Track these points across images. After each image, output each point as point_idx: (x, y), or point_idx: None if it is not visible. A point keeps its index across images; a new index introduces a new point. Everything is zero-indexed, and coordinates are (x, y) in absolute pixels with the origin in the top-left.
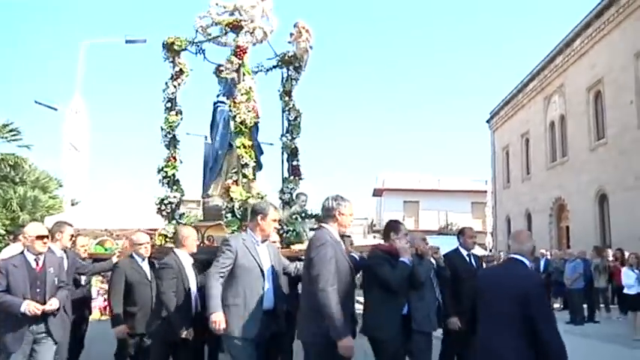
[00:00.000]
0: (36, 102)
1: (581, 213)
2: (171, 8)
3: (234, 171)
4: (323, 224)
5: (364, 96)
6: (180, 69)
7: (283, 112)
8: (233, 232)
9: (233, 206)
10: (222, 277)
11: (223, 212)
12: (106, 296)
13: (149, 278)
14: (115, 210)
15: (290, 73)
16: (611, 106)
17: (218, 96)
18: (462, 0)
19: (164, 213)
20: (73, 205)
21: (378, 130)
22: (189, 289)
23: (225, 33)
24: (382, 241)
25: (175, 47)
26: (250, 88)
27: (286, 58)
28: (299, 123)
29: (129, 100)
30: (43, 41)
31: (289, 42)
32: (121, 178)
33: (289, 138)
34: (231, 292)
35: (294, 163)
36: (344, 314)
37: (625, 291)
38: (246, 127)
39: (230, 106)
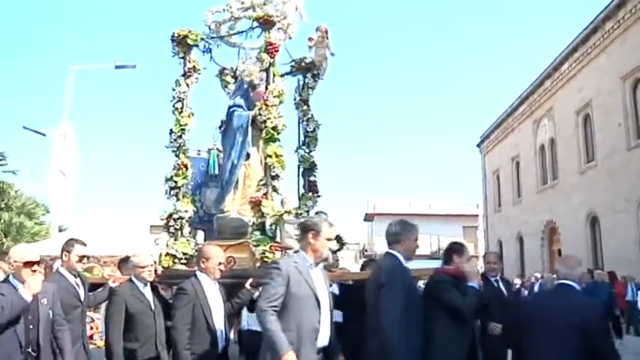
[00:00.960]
0: (24, 127)
1: (572, 236)
2: (160, 32)
3: (262, 183)
4: (391, 250)
5: (355, 121)
6: (194, 66)
7: (300, 122)
8: (264, 253)
9: (263, 223)
10: (276, 310)
11: (250, 229)
12: (92, 324)
13: (153, 307)
14: (102, 236)
15: (307, 80)
16: (599, 128)
17: (234, 99)
18: (451, 25)
19: (172, 229)
20: (60, 231)
21: (369, 154)
22: (212, 322)
23: (252, 29)
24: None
25: (189, 41)
26: (282, 90)
27: (303, 64)
28: (317, 135)
29: (119, 126)
30: (32, 66)
31: (309, 47)
32: (110, 204)
33: (307, 151)
34: (281, 326)
35: (311, 178)
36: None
37: None
38: (278, 134)
39: (260, 109)
